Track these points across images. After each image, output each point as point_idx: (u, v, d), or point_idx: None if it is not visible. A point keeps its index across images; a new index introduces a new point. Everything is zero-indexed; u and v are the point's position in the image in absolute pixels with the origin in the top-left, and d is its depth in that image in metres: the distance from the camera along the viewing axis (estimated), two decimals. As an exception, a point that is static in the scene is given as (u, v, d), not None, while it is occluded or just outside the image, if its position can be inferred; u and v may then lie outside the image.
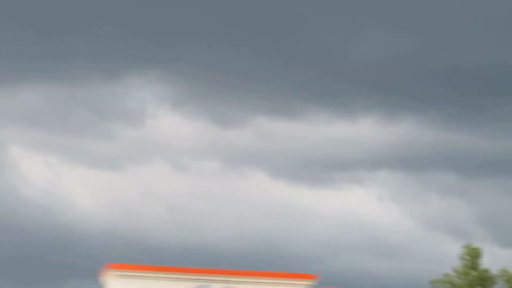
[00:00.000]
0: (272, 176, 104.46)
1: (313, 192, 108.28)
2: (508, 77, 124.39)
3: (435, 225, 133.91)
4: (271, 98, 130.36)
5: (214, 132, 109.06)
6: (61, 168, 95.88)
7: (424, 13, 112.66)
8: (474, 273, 42.14)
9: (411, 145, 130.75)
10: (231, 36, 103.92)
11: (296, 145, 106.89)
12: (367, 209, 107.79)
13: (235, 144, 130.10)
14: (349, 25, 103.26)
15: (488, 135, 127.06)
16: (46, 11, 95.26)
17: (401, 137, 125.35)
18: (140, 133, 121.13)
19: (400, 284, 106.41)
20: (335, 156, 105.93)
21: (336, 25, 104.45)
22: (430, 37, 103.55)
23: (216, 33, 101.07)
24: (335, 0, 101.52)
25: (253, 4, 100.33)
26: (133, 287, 25.22)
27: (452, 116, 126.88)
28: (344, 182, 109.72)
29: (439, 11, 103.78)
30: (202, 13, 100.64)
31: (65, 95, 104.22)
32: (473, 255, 42.08)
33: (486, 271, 42.38)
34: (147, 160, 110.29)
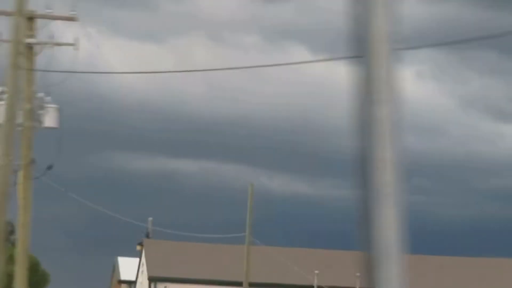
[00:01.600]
0: (312, 51, 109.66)
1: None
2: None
3: (473, 104, 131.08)
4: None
5: (256, 6, 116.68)
6: (101, 38, 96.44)
7: None
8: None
9: (454, 22, 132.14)
10: None
11: (336, 21, 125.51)
12: (406, 86, 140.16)
13: (276, 18, 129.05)
14: None
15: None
16: None
17: (445, 14, 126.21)
18: (179, 6, 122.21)
19: (437, 160, 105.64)
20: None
21: None
22: None
23: None
24: None
25: None
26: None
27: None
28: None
29: None
30: None
31: None
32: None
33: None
34: (186, 33, 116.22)
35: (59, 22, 36.34)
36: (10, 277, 30.12)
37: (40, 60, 36.24)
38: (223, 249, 69.69)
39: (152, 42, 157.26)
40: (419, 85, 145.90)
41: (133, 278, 74.19)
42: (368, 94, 2.57)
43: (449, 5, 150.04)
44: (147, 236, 73.87)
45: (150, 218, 74.84)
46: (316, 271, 62.69)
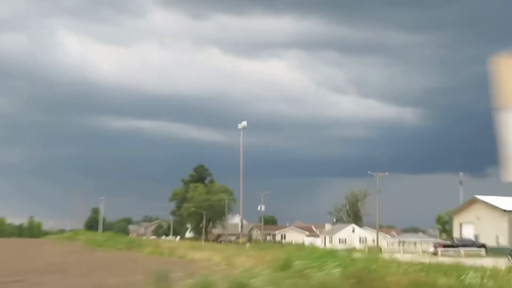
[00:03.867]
0: (223, 52, 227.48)
1: (248, 62, 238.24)
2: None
3: (323, 83, 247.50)
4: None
5: (188, 22, 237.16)
6: (88, 44, 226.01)
7: None
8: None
9: (311, 34, 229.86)
10: None
11: (241, 33, 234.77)
12: (282, 75, 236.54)
13: (202, 30, 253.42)
14: None
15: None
16: None
17: (302, 28, 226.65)
18: (139, 21, 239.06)
19: (301, 121, 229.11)
20: (263, 39, 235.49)
21: None
22: None
23: None
24: None
25: None
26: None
27: (337, 16, 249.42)
28: (268, 57, 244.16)
29: None
30: None
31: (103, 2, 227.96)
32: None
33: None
34: (143, 40, 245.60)
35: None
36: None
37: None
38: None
39: (121, 47, 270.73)
40: (291, 73, 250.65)
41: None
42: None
43: (308, 22, 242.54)
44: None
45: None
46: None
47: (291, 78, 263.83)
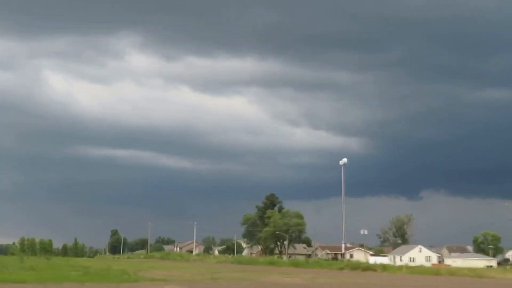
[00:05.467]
0: (192, 89, 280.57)
1: (214, 98, 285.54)
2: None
3: (279, 116, 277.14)
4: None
5: (161, 62, 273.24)
6: (72, 82, 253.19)
7: None
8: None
9: (268, 72, 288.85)
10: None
11: (206, 72, 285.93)
12: (243, 109, 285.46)
13: (173, 71, 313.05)
14: None
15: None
16: None
17: (262, 68, 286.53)
18: (118, 63, 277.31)
19: (259, 149, 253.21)
20: (228, 78, 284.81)
21: None
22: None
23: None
24: None
25: None
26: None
27: (292, 58, 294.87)
28: (232, 93, 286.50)
29: None
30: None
31: (86, 45, 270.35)
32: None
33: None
34: (121, 79, 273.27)
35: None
36: None
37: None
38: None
39: (103, 84, 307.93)
40: (250, 108, 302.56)
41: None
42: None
43: (275, 64, 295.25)
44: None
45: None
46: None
47: (251, 112, 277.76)
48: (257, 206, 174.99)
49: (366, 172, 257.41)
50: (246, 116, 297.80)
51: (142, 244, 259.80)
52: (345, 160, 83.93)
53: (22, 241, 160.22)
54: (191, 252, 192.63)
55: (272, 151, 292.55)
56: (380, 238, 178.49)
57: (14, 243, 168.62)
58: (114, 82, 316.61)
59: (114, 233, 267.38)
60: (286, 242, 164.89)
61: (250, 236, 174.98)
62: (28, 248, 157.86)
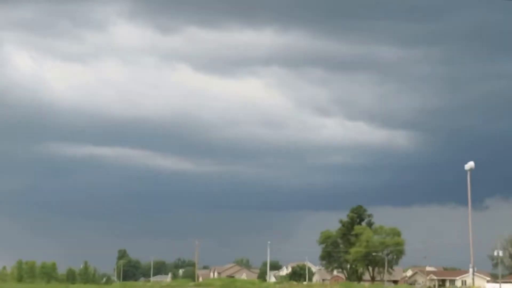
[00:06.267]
0: (193, 69, 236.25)
1: (222, 81, 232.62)
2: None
3: (305, 105, 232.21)
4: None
5: (155, 36, 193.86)
6: (42, 61, 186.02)
7: None
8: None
9: (291, 48, 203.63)
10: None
11: (212, 48, 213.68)
12: (258, 94, 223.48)
13: (170, 47, 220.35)
14: None
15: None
16: None
17: (284, 42, 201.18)
18: (102, 37, 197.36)
19: (280, 146, 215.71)
20: (240, 55, 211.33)
21: None
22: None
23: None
24: None
25: None
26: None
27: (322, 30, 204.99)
28: (245, 75, 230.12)
29: None
30: None
31: (59, 14, 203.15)
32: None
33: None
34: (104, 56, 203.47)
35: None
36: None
37: None
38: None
39: (80, 64, 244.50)
40: (268, 92, 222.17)
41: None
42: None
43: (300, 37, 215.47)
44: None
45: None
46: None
47: (269, 98, 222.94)
48: (341, 221, 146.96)
49: (413, 173, 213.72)
50: (263, 104, 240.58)
51: (158, 269, 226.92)
52: (471, 164, 71.84)
53: (19, 264, 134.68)
54: (232, 277, 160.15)
55: (296, 148, 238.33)
56: (492, 260, 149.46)
57: (4, 267, 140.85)
58: (95, 61, 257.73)
59: (122, 254, 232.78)
60: (386, 265, 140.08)
61: (329, 258, 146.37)
62: (27, 273, 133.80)
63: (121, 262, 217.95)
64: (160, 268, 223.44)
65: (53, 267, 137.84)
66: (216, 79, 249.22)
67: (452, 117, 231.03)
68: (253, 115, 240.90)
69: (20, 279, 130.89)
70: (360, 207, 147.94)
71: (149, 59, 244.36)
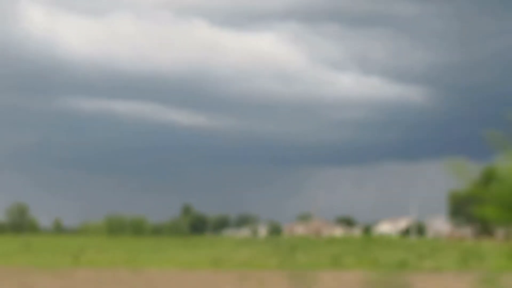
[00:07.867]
0: (211, 23, 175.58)
1: (239, 34, 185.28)
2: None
3: (320, 60, 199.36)
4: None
5: None
6: (57, 16, 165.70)
7: None
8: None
9: (312, 3, 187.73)
10: None
11: (229, 2, 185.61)
12: (274, 49, 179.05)
13: (186, 1, 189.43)
14: None
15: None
16: None
17: None
18: None
19: (294, 100, 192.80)
20: (258, 9, 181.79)
21: None
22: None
23: None
24: None
25: None
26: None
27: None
28: (261, 29, 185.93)
29: None
30: None
31: None
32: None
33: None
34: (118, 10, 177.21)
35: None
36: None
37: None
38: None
39: (94, 17, 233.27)
40: (284, 47, 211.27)
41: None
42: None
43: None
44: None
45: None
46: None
47: (285, 54, 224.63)
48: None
49: (426, 130, 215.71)
50: (279, 58, 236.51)
51: (222, 223, 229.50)
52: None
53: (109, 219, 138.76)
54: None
55: (310, 103, 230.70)
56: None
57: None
58: (110, 15, 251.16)
59: (187, 208, 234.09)
60: None
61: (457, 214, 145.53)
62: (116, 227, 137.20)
63: (184, 217, 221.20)
64: (224, 223, 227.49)
65: (142, 220, 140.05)
66: (233, 33, 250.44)
67: (468, 73, 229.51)
68: (268, 70, 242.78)
69: (110, 232, 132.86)
70: None
71: (164, 12, 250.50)
